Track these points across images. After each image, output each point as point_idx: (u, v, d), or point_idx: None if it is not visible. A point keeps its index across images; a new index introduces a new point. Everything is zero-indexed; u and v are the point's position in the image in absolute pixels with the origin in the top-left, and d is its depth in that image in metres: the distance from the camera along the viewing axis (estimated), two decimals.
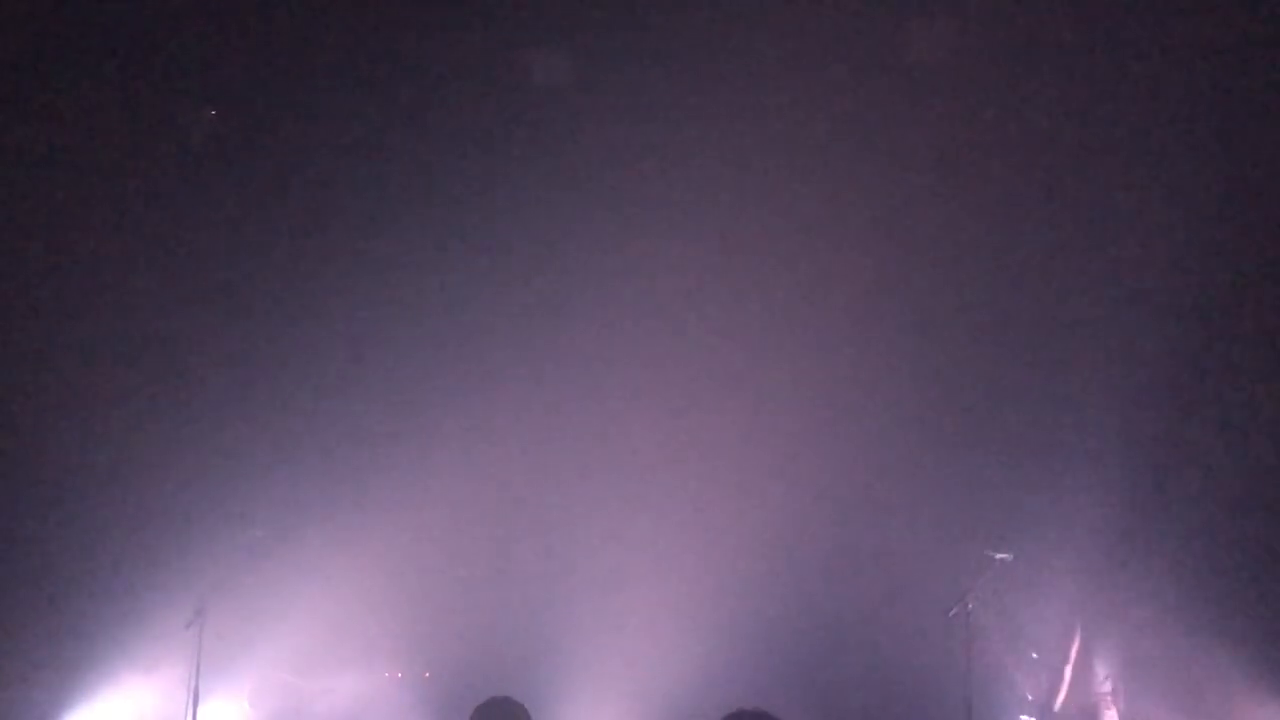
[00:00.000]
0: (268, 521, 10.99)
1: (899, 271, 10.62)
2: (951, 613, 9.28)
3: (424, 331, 11.31)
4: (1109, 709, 10.01)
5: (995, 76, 10.12)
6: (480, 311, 11.31)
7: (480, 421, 11.15)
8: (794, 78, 10.35)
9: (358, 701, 11.25)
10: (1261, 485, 9.94)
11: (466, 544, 11.03)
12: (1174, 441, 10.18)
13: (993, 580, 9.35)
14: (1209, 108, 9.91)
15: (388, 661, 11.37)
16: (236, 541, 10.87)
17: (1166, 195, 10.17)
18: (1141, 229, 10.28)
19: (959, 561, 9.69)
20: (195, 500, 11.13)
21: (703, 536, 10.66)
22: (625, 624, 10.70)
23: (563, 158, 11.05)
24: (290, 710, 11.22)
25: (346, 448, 11.26)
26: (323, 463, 11.24)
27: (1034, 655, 10.26)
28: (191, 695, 10.04)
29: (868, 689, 10.47)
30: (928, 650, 9.91)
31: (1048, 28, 9.84)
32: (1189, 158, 10.03)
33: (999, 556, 9.30)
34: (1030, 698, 10.25)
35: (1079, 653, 10.21)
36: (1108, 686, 10.10)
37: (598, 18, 10.31)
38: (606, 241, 11.06)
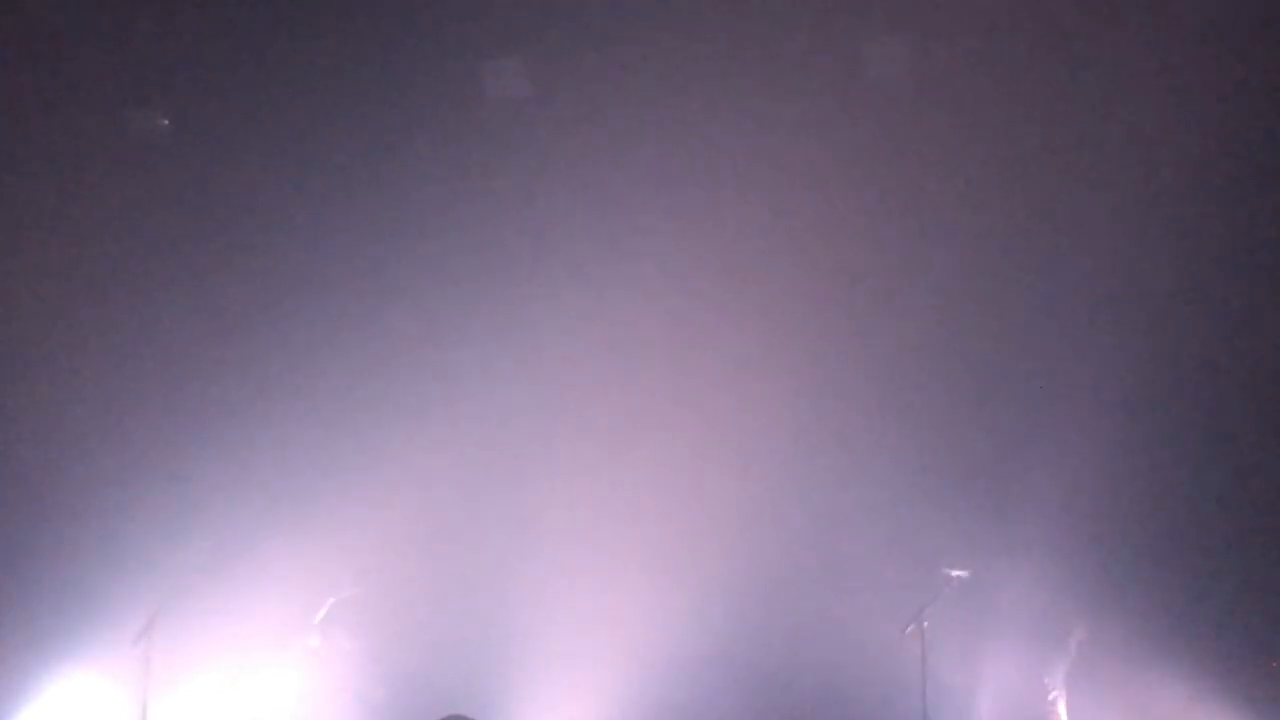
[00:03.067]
0: (217, 536, 10.87)
1: (852, 292, 10.61)
2: (907, 630, 9.28)
3: (374, 344, 11.20)
4: None
5: (954, 96, 10.14)
6: (431, 324, 11.21)
7: (432, 435, 11.03)
8: (752, 94, 10.36)
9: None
10: (1215, 501, 10.04)
11: (419, 559, 10.93)
12: (1132, 458, 10.22)
13: (949, 598, 9.34)
14: (1169, 117, 9.94)
15: (338, 677, 11.25)
16: (185, 556, 10.74)
17: (1127, 210, 10.22)
18: (1103, 248, 10.33)
19: (915, 579, 9.69)
20: (143, 514, 10.98)
21: (658, 553, 10.59)
22: (580, 641, 10.61)
23: (520, 169, 11.00)
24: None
25: (296, 460, 11.12)
26: (272, 476, 11.10)
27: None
28: (141, 711, 9.93)
29: (823, 706, 10.42)
30: (884, 668, 9.90)
31: (1004, 47, 9.86)
32: (1151, 177, 10.10)
33: (955, 574, 9.31)
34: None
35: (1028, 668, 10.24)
36: (1054, 698, 10.13)
37: (554, 30, 10.27)
38: (562, 253, 11.03)
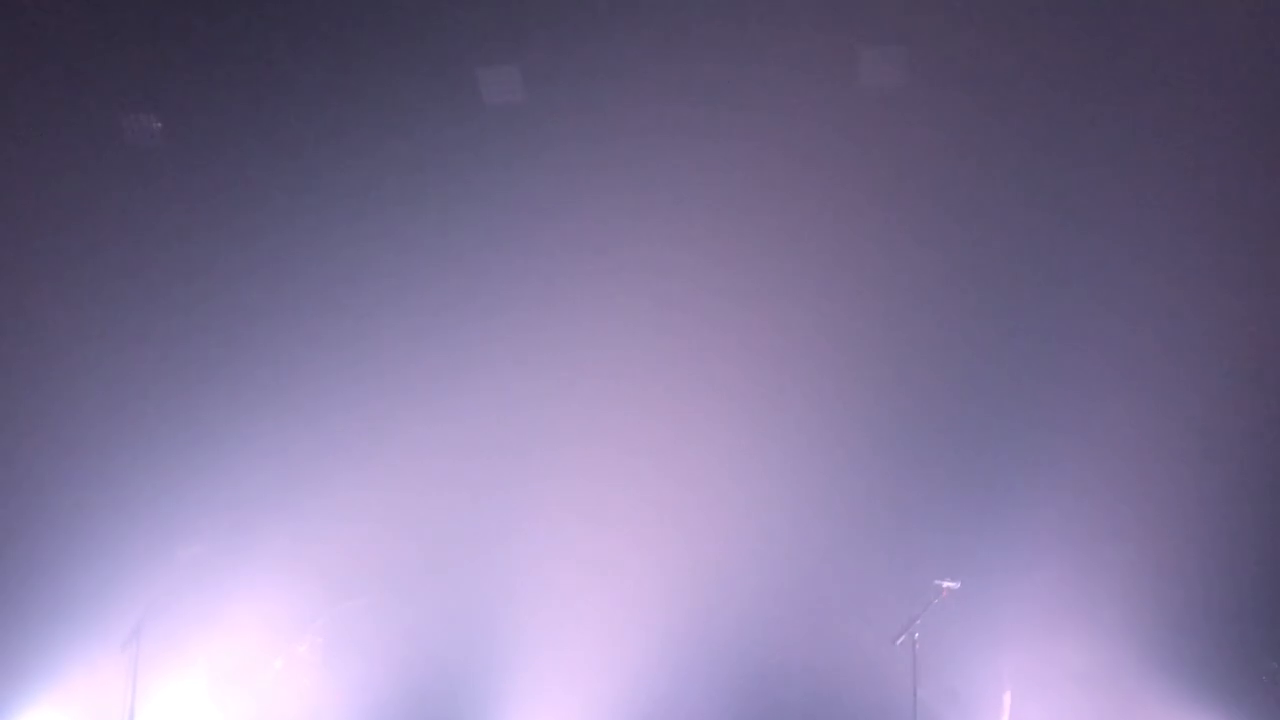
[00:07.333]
0: (207, 539, 10.86)
1: (845, 302, 10.59)
2: (899, 641, 9.23)
3: (369, 349, 11.22)
4: None
5: (948, 102, 10.10)
6: (426, 328, 11.22)
7: (427, 440, 11.04)
8: (748, 100, 10.32)
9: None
10: (1209, 520, 9.99)
11: (411, 563, 10.96)
12: (1127, 468, 10.18)
13: (941, 609, 9.29)
14: (1159, 129, 9.96)
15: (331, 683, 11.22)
16: (175, 559, 10.73)
17: (1124, 218, 10.22)
18: (1101, 256, 10.31)
19: (907, 590, 9.63)
20: (133, 515, 10.97)
21: (649, 564, 10.58)
22: (571, 649, 10.60)
23: (516, 175, 10.99)
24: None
25: (288, 464, 11.09)
26: (264, 480, 11.07)
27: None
28: (129, 714, 9.91)
29: (814, 717, 10.39)
30: (875, 679, 9.88)
31: (997, 53, 9.83)
32: (1150, 185, 10.10)
33: (947, 585, 9.26)
34: None
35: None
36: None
37: (550, 36, 10.26)
38: (557, 258, 11.03)
